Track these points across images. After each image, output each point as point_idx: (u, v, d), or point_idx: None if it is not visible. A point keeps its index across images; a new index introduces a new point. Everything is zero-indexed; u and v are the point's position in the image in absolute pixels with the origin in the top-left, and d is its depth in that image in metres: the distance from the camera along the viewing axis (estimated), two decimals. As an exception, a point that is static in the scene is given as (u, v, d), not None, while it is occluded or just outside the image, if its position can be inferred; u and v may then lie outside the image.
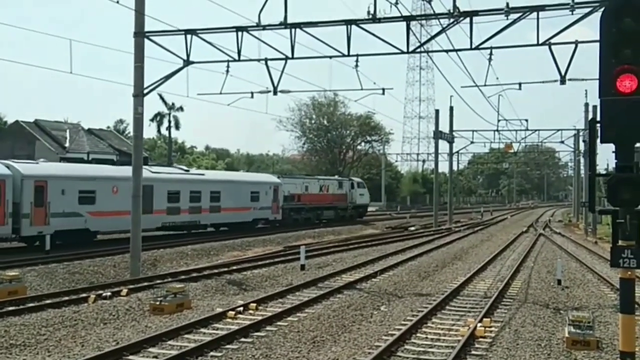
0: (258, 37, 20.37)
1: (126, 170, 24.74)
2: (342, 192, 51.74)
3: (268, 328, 12.88)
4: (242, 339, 11.90)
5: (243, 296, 16.98)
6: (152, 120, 68.18)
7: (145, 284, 18.19)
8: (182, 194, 33.48)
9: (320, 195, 47.88)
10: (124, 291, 16.44)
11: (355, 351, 11.25)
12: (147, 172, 27.31)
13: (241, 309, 14.55)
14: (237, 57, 20.52)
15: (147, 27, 20.40)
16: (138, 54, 20.28)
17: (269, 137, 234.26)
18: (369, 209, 60.35)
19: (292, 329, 12.85)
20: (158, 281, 18.82)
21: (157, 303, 14.67)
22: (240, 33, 19.96)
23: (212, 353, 10.94)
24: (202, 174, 38.62)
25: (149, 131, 74.80)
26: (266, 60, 21.19)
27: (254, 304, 15.01)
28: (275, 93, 22.08)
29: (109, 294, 16.09)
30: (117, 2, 17.89)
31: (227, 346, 11.41)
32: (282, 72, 21.38)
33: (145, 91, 20.62)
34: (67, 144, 44.73)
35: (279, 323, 13.37)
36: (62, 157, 39.30)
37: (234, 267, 22.07)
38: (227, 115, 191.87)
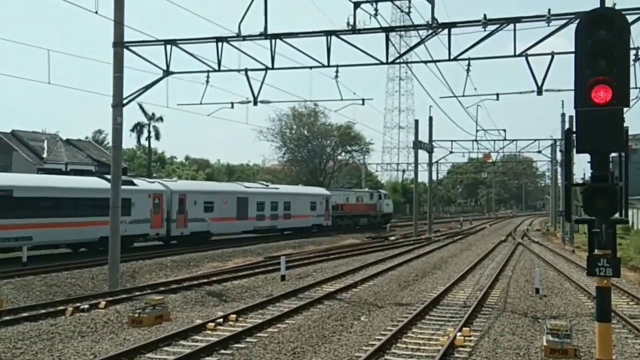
0: (238, 47, 20.38)
1: (231, 186, 42.43)
2: (372, 203, 59.72)
3: (248, 339, 12.82)
4: (222, 351, 11.83)
5: (223, 307, 16.88)
6: (132, 130, 67.74)
7: (124, 295, 18.01)
8: (266, 204, 42.89)
9: (357, 205, 56.60)
10: (102, 303, 16.26)
11: (335, 362, 11.23)
12: (242, 187, 42.26)
13: (221, 320, 14.47)
14: (217, 68, 20.51)
15: (127, 38, 20.32)
16: (117, 64, 20.17)
17: (249, 148, 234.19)
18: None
19: (272, 340, 12.80)
20: (137, 293, 18.64)
21: (136, 315, 14.52)
22: (220, 43, 19.96)
23: (191, 365, 10.86)
24: (277, 188, 47.44)
25: (129, 141, 74.24)
26: (246, 70, 21.19)
27: (234, 315, 14.93)
28: (255, 103, 22.07)
29: (86, 306, 15.90)
30: (96, 12, 17.80)
31: (207, 358, 11.34)
32: (262, 82, 21.42)
33: (125, 101, 20.50)
34: (44, 155, 44.15)
35: (259, 334, 13.31)
36: (40, 168, 38.80)
37: (214, 278, 21.93)
38: (208, 125, 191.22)
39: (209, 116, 25.22)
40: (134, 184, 32.40)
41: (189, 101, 23.72)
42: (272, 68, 20.33)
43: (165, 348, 12.11)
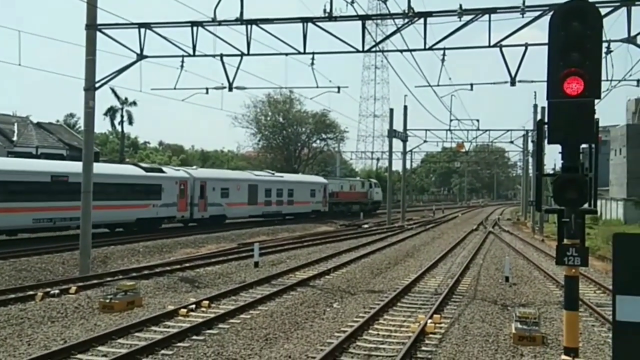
0: (213, 32, 20.20)
1: (243, 174, 46.80)
2: (364, 191, 63.55)
3: (220, 325, 12.81)
4: (194, 337, 11.80)
5: (195, 293, 16.83)
6: (104, 114, 66.94)
7: (95, 281, 17.85)
8: (272, 191, 46.86)
9: (350, 193, 59.91)
10: (73, 289, 16.10)
11: (307, 348, 11.29)
12: (252, 175, 46.82)
13: (193, 306, 14.43)
14: (192, 52, 20.31)
15: (100, 20, 20.01)
16: (90, 47, 19.85)
17: (224, 134, 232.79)
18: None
19: (244, 326, 12.81)
20: (108, 279, 18.49)
21: (107, 301, 14.42)
22: (195, 28, 19.76)
23: (163, 351, 10.81)
24: (282, 176, 51.45)
25: (101, 126, 73.34)
26: (221, 56, 21.02)
27: (207, 302, 14.90)
28: (230, 89, 21.92)
29: (57, 291, 15.73)
30: (68, -7, 17.46)
31: (179, 344, 11.30)
32: (238, 68, 21.29)
33: (97, 85, 20.21)
34: (14, 138, 43.40)
35: (231, 320, 13.31)
36: (10, 152, 38.12)
37: (187, 265, 21.84)
38: (182, 111, 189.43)
39: (183, 101, 25.08)
40: (163, 172, 36.61)
41: (163, 86, 23.51)
42: (248, 54, 20.21)
43: (136, 334, 12.04)
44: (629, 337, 2.95)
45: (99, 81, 20.27)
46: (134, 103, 68.11)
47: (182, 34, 20.54)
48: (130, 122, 69.42)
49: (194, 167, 46.32)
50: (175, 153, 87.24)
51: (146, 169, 36.16)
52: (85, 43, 19.91)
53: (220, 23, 19.45)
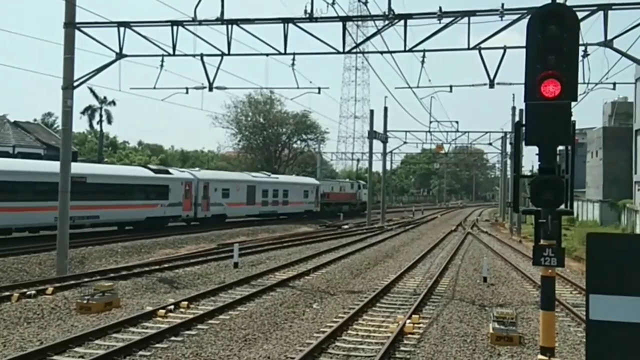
0: (194, 32, 20.12)
1: (242, 176, 48.74)
2: (353, 192, 65.65)
3: (199, 326, 12.75)
4: (173, 338, 11.74)
5: (174, 294, 16.74)
6: (82, 113, 66.35)
7: (72, 282, 17.65)
8: (269, 192, 49.01)
9: (340, 194, 61.53)
10: (50, 289, 15.91)
11: (286, 348, 11.29)
12: (250, 176, 48.85)
13: (172, 307, 14.35)
14: (172, 52, 20.21)
15: (79, 18, 19.81)
16: (68, 46, 19.65)
17: (204, 134, 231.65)
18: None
19: (223, 327, 12.77)
20: (86, 279, 18.30)
21: (84, 302, 14.27)
22: (175, 27, 19.66)
23: (140, 352, 10.74)
24: (277, 178, 53.74)
25: (79, 125, 72.70)
26: (202, 55, 20.94)
27: (186, 302, 14.82)
28: (210, 89, 21.85)
29: (33, 292, 15.54)
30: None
31: (157, 345, 11.23)
32: (218, 68, 21.21)
33: (76, 84, 20.01)
34: (-10, 137, 42.84)
35: (210, 321, 13.26)
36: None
37: (166, 265, 21.71)
38: (161, 111, 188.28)
39: (163, 101, 24.94)
40: (169, 173, 38.64)
41: (142, 85, 23.36)
42: (228, 54, 20.15)
43: (114, 335, 11.94)
44: (602, 335, 3.00)
45: (77, 80, 20.07)
46: (113, 102, 67.64)
47: (162, 33, 20.46)
48: (109, 122, 68.92)
49: (197, 168, 47.88)
50: (154, 153, 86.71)
51: (154, 171, 38.03)
52: (63, 41, 19.71)
53: (200, 23, 19.38)
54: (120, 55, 20.43)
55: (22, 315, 13.44)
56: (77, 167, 31.39)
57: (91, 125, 70.45)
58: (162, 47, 20.45)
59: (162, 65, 21.22)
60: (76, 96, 20.13)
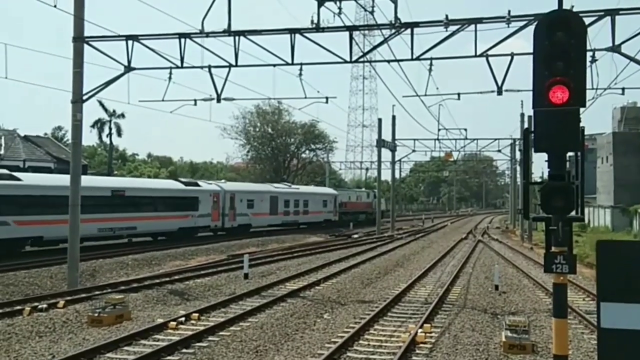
0: (201, 44, 20.22)
1: (265, 187, 50.55)
2: (369, 201, 66.36)
3: (210, 338, 12.74)
4: (184, 350, 11.73)
5: (185, 306, 16.74)
6: (92, 126, 66.73)
7: (83, 295, 17.71)
8: (290, 202, 51.13)
9: (357, 203, 63.09)
10: (61, 303, 15.96)
11: (298, 359, 11.26)
12: (272, 187, 50.99)
13: (183, 319, 14.35)
14: (179, 64, 20.32)
15: (87, 33, 19.97)
16: (77, 60, 19.80)
17: (212, 145, 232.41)
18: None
19: (234, 338, 12.75)
20: (97, 292, 18.36)
21: (96, 315, 14.30)
22: (183, 40, 19.78)
23: (152, 365, 10.75)
24: (298, 188, 55.94)
25: (89, 138, 73.15)
26: (209, 67, 21.04)
27: (196, 314, 14.82)
28: (218, 101, 21.94)
29: (45, 306, 15.59)
30: (55, 6, 17.43)
31: (168, 357, 11.23)
32: (226, 79, 21.31)
33: (85, 97, 20.15)
34: (1, 151, 43.12)
35: (221, 333, 13.25)
36: (-3, 165, 37.84)
37: (176, 277, 21.73)
38: (170, 123, 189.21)
39: (171, 113, 25.07)
40: (199, 185, 40.82)
41: (151, 98, 23.49)
42: (236, 65, 20.23)
43: (125, 348, 11.96)
44: (614, 344, 2.96)
45: (86, 94, 20.22)
46: (122, 115, 68.03)
47: (170, 45, 20.58)
48: (119, 134, 69.28)
49: (223, 180, 50.50)
50: (163, 165, 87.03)
51: (185, 183, 40.25)
52: (72, 55, 19.86)
53: (208, 35, 19.48)
54: (128, 69, 20.56)
55: (34, 329, 13.48)
56: (117, 182, 36.45)
57: (100, 138, 70.90)
58: (170, 59, 20.58)
59: (170, 78, 21.34)
60: (85, 110, 20.25)
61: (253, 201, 45.47)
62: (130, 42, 20.10)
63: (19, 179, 28.06)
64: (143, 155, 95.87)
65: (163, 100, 22.57)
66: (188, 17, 21.25)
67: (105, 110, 66.26)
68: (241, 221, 43.81)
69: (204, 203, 39.43)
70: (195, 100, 23.77)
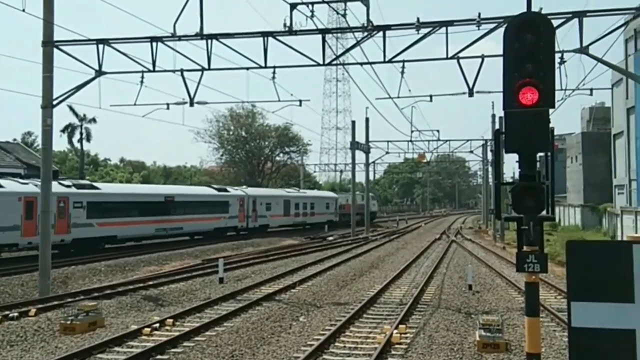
0: (173, 47, 20.08)
1: (280, 192, 58.20)
2: (362, 203, 66.43)
3: (185, 344, 12.65)
4: (158, 356, 11.64)
5: (159, 312, 16.60)
6: (62, 131, 65.79)
7: (55, 302, 17.44)
8: (300, 205, 57.10)
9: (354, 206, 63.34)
10: (33, 311, 15.70)
11: (274, 363, 11.23)
12: (284, 192, 58.05)
13: (157, 325, 14.23)
14: (151, 68, 20.15)
15: (57, 37, 19.71)
16: (46, 64, 19.53)
17: (186, 149, 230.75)
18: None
19: (210, 343, 12.68)
20: (69, 300, 18.10)
21: (68, 322, 14.10)
22: (154, 43, 19.62)
23: (126, 372, 10.63)
24: (305, 192, 62.66)
25: (59, 144, 72.07)
26: (182, 71, 20.91)
27: (171, 320, 14.70)
28: (191, 104, 21.79)
29: (16, 314, 15.33)
30: (23, 10, 17.16)
31: (143, 364, 11.12)
32: (199, 83, 21.19)
33: (55, 102, 19.87)
34: (-31, 158, 42.29)
35: (196, 338, 13.16)
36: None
37: (150, 283, 21.53)
38: (143, 127, 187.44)
39: (143, 117, 24.84)
40: (228, 191, 46.54)
41: (122, 102, 23.25)
42: (209, 69, 20.15)
43: (99, 355, 11.82)
44: (584, 342, 3.01)
45: (56, 98, 19.95)
46: (94, 120, 67.23)
47: (142, 49, 20.40)
48: (89, 140, 68.45)
49: (244, 186, 54.86)
50: (136, 169, 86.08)
51: (217, 189, 46.09)
52: (42, 60, 19.59)
53: (180, 38, 19.36)
54: (99, 73, 20.34)
55: (5, 338, 13.25)
56: (167, 189, 45.53)
57: (71, 144, 70.01)
58: (142, 63, 20.41)
59: (142, 82, 21.14)
60: (56, 114, 19.98)
61: (270, 204, 51.36)
62: (101, 46, 19.87)
63: (98, 188, 34.50)
64: (115, 160, 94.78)
65: (135, 105, 22.37)
66: (160, 20, 21.11)
67: (76, 115, 65.51)
68: (261, 222, 49.76)
69: (233, 206, 45.46)
70: (167, 104, 23.60)
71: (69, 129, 66.76)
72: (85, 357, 11.59)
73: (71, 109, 63.46)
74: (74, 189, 31.97)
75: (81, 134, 67.18)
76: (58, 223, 29.75)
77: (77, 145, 69.00)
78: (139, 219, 35.35)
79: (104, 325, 14.61)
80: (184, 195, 41.43)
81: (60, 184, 31.42)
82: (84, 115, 66.09)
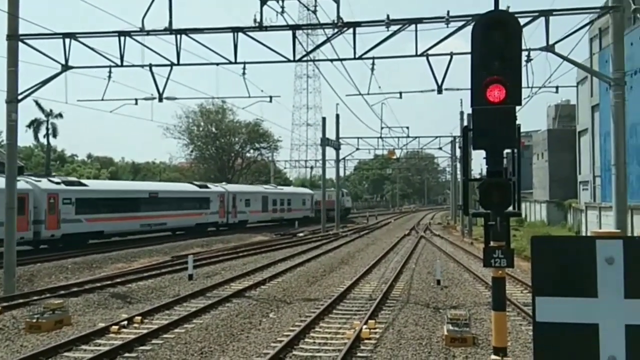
0: (142, 42, 19.86)
1: (258, 188, 58.90)
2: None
3: (154, 341, 12.55)
4: (126, 354, 11.52)
5: (128, 309, 16.43)
6: (28, 126, 64.55)
7: (21, 300, 17.13)
8: (277, 201, 58.53)
9: (329, 201, 64.25)
10: (-3, 309, 15.41)
11: (243, 360, 11.22)
12: (263, 188, 59.11)
13: (125, 323, 14.09)
14: (119, 63, 19.90)
15: (22, 30, 19.33)
16: (11, 58, 19.14)
17: (155, 145, 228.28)
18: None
19: (179, 340, 12.60)
20: (35, 298, 17.80)
21: (34, 321, 13.87)
22: (122, 38, 19.38)
23: (94, 370, 10.51)
24: (282, 189, 64.13)
25: (25, 139, 70.76)
26: (150, 66, 20.70)
27: (139, 317, 14.57)
28: (160, 100, 21.61)
29: (-21, 313, 15.03)
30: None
31: (111, 362, 11.00)
32: (168, 78, 21.00)
33: (20, 97, 19.49)
34: None
35: (165, 335, 13.06)
36: None
37: (118, 280, 21.29)
38: (111, 122, 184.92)
39: (111, 113, 24.56)
40: (209, 187, 47.96)
41: (90, 97, 22.94)
42: (178, 64, 19.98)
43: (65, 354, 11.66)
44: (549, 336, 3.07)
45: (21, 93, 19.57)
46: (60, 115, 66.12)
47: (110, 44, 20.14)
48: (55, 135, 67.30)
49: (223, 183, 56.72)
50: (104, 165, 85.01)
51: (199, 186, 47.55)
52: (6, 54, 19.20)
53: (148, 33, 19.15)
54: (66, 67, 20.01)
55: (-32, 337, 12.98)
56: (151, 185, 45.56)
57: (37, 139, 68.77)
58: (110, 58, 20.14)
59: (110, 77, 20.89)
60: (21, 109, 19.59)
61: (249, 200, 52.69)
62: (67, 40, 19.56)
63: (86, 185, 35.61)
64: (83, 156, 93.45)
65: (103, 100, 22.15)
66: (128, 15, 20.82)
67: (42, 110, 64.36)
68: (241, 218, 51.05)
69: (213, 202, 46.76)
70: (136, 100, 23.41)
71: (35, 124, 65.58)
72: (52, 356, 11.42)
73: (37, 104, 62.40)
74: (63, 186, 32.81)
75: (47, 129, 66.06)
76: (49, 219, 31.02)
77: (43, 140, 67.84)
78: (125, 215, 36.39)
79: (70, 324, 14.41)
80: (167, 191, 42.66)
81: (50, 180, 33.02)
82: (51, 110, 65.04)
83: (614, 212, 17.08)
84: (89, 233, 34.09)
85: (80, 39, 19.69)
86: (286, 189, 66.40)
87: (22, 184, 29.17)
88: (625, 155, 17.00)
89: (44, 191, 31.18)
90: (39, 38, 19.68)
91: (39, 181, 32.30)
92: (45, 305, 14.73)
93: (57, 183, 32.93)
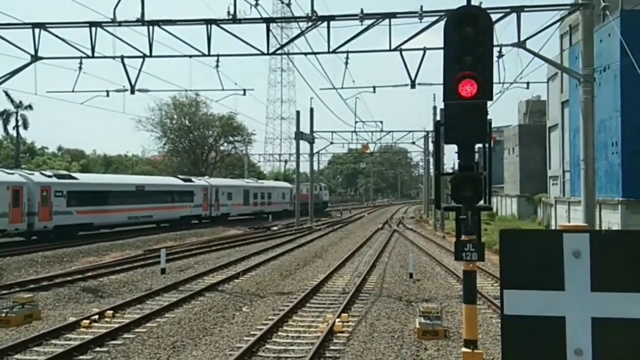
0: (113, 33, 19.63)
1: (240, 182, 60.15)
2: (316, 193, 70.26)
3: (125, 335, 12.46)
4: (97, 349, 11.42)
5: (99, 304, 16.26)
6: (-4, 118, 63.37)
7: (-11, 295, 16.87)
8: (258, 194, 59.90)
9: (306, 195, 65.69)
10: (-36, 304, 15.15)
11: (216, 354, 11.20)
12: (244, 182, 60.32)
13: (96, 317, 13.95)
14: (90, 54, 19.64)
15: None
16: (-22, 48, 18.78)
17: (127, 138, 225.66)
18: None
19: (151, 335, 12.52)
20: (4, 292, 17.53)
21: (3, 315, 13.66)
22: (94, 28, 19.14)
23: (64, 365, 10.40)
24: (263, 183, 66.13)
25: (-7, 131, 69.43)
26: (122, 57, 20.46)
27: (111, 311, 14.44)
28: (132, 92, 21.40)
29: (-55, 308, 14.75)
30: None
31: (81, 357, 10.91)
32: (140, 70, 20.81)
33: (-13, 88, 19.15)
34: None
35: (137, 330, 12.97)
36: None
37: (89, 274, 21.06)
38: (82, 114, 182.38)
39: (82, 104, 24.24)
40: (192, 181, 48.75)
41: (60, 88, 22.60)
42: (150, 56, 19.80)
43: (35, 348, 11.51)
44: (516, 329, 3.12)
45: (-11, 84, 19.21)
46: (30, 107, 64.98)
47: (81, 34, 19.84)
48: (25, 127, 66.14)
49: (206, 176, 57.57)
50: (75, 158, 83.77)
51: (183, 180, 48.45)
52: (-27, 43, 18.83)
53: (120, 24, 18.94)
54: (35, 58, 19.71)
55: None
56: (138, 179, 46.24)
57: (6, 131, 67.57)
58: (81, 48, 19.87)
59: (80, 68, 20.61)
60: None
61: (232, 194, 53.67)
62: (37, 30, 19.24)
63: (77, 178, 36.42)
64: (53, 149, 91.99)
65: (73, 92, 21.85)
66: (99, 5, 20.52)
67: (12, 101, 63.19)
68: (223, 210, 52.10)
69: (197, 196, 47.73)
70: (107, 92, 23.11)
71: (4, 116, 64.42)
72: (21, 351, 11.27)
73: (7, 94, 61.25)
74: (55, 179, 33.71)
75: (17, 120, 64.87)
76: (42, 211, 31.90)
77: (13, 132, 66.64)
78: (113, 207, 37.44)
79: (40, 318, 14.23)
80: (153, 185, 43.75)
81: (42, 174, 33.97)
82: (20, 102, 63.86)
83: (583, 207, 17.38)
84: (79, 225, 34.80)
85: (50, 29, 19.39)
86: (267, 183, 67.85)
87: (16, 177, 31.19)
88: (594, 151, 17.29)
89: (37, 184, 31.86)
90: (8, 28, 19.34)
91: (32, 174, 33.32)
92: (14, 299, 14.53)
93: (49, 176, 33.73)
